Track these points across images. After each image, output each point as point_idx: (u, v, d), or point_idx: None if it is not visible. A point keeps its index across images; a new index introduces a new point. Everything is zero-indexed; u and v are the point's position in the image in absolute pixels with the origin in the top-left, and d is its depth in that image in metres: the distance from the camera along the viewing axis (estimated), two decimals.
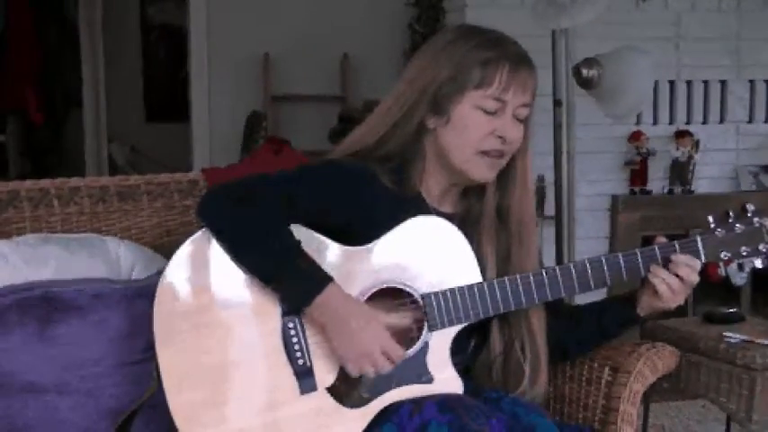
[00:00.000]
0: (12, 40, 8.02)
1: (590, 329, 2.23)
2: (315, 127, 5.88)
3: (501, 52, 2.07)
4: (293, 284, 1.98)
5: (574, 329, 2.24)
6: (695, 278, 2.07)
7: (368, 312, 2.00)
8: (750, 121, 5.33)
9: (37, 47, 8.12)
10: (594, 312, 2.24)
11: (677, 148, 5.04)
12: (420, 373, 2.03)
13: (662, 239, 2.10)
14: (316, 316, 1.97)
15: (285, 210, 2.02)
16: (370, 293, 2.03)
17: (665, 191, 5.09)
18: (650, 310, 2.14)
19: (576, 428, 2.20)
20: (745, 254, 2.10)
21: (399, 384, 2.01)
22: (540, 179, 4.55)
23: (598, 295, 2.27)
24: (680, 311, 2.30)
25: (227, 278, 2.01)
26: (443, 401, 1.94)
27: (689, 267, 2.06)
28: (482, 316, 2.06)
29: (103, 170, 7.64)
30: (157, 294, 2.01)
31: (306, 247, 2.00)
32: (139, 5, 8.24)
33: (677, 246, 2.08)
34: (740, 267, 2.13)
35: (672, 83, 5.20)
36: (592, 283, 2.08)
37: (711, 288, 4.24)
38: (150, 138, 8.03)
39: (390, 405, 2.00)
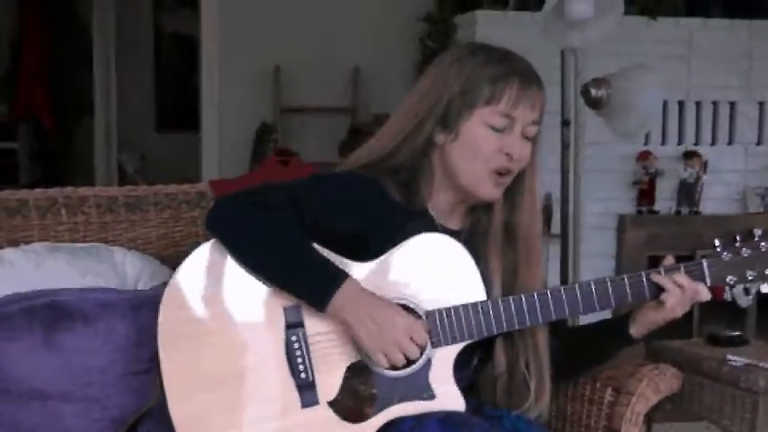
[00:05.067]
0: (26, 47, 8.05)
1: (589, 351, 2.23)
2: (324, 139, 5.89)
3: (510, 68, 2.07)
4: (310, 285, 1.98)
5: (574, 351, 2.23)
6: (687, 295, 2.06)
7: (386, 302, 2.00)
8: (759, 143, 5.34)
9: (51, 55, 8.15)
10: (592, 334, 2.25)
11: (685, 169, 5.04)
12: (422, 389, 2.02)
13: (670, 259, 2.10)
14: (337, 314, 1.98)
15: (295, 218, 2.03)
16: None
17: (673, 211, 5.09)
18: (647, 329, 2.13)
19: None
20: (751, 278, 2.08)
21: (401, 400, 2.01)
22: (548, 197, 4.55)
23: (602, 317, 2.27)
24: (684, 333, 2.29)
25: (232, 290, 2.02)
26: (445, 418, 1.95)
27: (679, 283, 2.05)
28: (486, 334, 2.05)
29: (113, 178, 7.67)
30: (162, 304, 2.02)
31: None
32: (152, 15, 8.26)
33: (683, 269, 2.08)
34: (746, 291, 2.13)
35: (681, 103, 5.20)
36: (597, 305, 2.07)
37: (717, 309, 4.23)
38: (160, 147, 8.05)
39: (392, 421, 2.00)
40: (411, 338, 1.98)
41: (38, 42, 8.05)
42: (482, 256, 2.12)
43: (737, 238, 2.09)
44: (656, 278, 2.06)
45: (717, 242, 2.09)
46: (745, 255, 2.08)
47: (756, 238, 2.09)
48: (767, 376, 2.76)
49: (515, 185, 2.15)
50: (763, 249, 2.09)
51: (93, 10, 7.74)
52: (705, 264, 2.08)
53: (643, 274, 2.08)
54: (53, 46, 8.19)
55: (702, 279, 2.07)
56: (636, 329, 2.13)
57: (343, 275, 1.98)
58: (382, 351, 1.98)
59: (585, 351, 2.24)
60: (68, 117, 8.34)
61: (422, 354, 2.03)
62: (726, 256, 2.08)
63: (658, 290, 2.06)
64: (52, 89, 8.20)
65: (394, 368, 2.02)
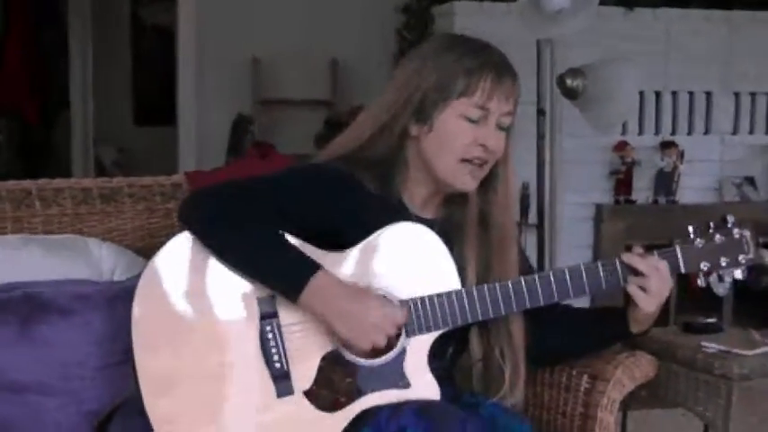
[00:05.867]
0: (10, 41, 8.02)
1: (588, 337, 2.24)
2: (303, 131, 5.89)
3: (485, 61, 2.07)
4: (282, 278, 1.99)
5: (571, 335, 2.24)
6: (665, 273, 2.07)
7: (358, 289, 2.01)
8: (734, 133, 5.36)
9: (35, 52, 8.13)
10: (593, 321, 2.26)
11: (662, 159, 5.06)
12: (397, 378, 2.03)
13: (639, 249, 2.10)
14: (310, 305, 1.98)
15: (268, 211, 2.03)
16: None
17: (650, 201, 5.10)
18: (639, 325, 2.14)
19: None
20: (724, 264, 2.10)
21: (377, 389, 2.02)
22: (525, 187, 4.56)
23: (578, 304, 2.27)
24: (661, 321, 2.30)
25: (206, 281, 2.02)
26: (421, 407, 1.95)
27: (654, 265, 2.06)
28: (460, 323, 2.06)
29: (90, 171, 7.64)
30: (136, 296, 2.01)
31: None
32: (130, 6, 8.23)
33: (656, 254, 2.09)
34: (720, 278, 2.13)
35: (658, 93, 5.22)
36: (571, 292, 2.08)
37: (693, 299, 4.25)
38: (138, 140, 8.03)
39: (367, 410, 2.00)
40: (387, 319, 1.99)
41: (21, 38, 8.02)
42: (456, 246, 2.13)
43: (711, 225, 2.10)
44: (630, 260, 2.07)
45: (690, 229, 2.10)
46: (719, 242, 2.09)
47: (730, 225, 2.10)
48: (741, 363, 2.78)
49: (489, 176, 2.16)
50: (737, 236, 2.10)
51: (70, 2, 7.70)
52: (679, 250, 2.08)
53: (617, 259, 2.08)
54: (37, 42, 8.16)
55: (676, 266, 2.08)
56: (632, 325, 2.15)
57: (314, 267, 1.98)
58: (361, 339, 1.98)
59: (586, 338, 2.24)
60: (51, 111, 8.30)
61: (397, 342, 2.03)
62: (699, 242, 2.09)
63: (633, 275, 2.07)
64: (36, 84, 8.16)
65: (369, 357, 2.02)
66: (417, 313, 2.03)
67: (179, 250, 2.04)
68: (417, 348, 2.05)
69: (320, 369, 2.02)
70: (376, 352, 2.02)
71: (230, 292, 2.02)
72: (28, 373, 2.23)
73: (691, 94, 5.27)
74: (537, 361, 2.25)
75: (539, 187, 3.83)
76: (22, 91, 8.03)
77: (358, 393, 2.01)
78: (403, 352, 2.04)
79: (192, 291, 2.02)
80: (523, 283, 2.07)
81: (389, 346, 2.03)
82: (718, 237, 2.09)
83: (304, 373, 2.01)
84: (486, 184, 2.17)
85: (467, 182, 2.12)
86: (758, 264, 2.13)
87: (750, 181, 5.30)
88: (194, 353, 2.01)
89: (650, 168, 5.11)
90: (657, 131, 5.24)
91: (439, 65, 2.08)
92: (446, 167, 2.10)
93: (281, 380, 2.00)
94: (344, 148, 2.15)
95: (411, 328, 2.03)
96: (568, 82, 3.64)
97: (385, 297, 2.03)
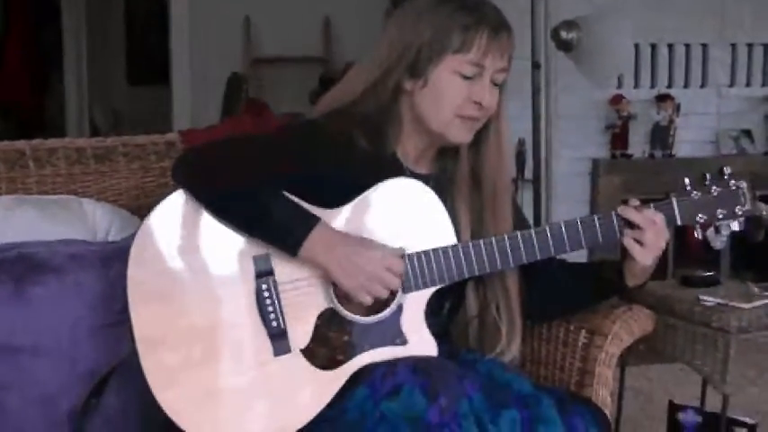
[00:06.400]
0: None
1: (585, 291, 2.24)
2: (296, 89, 5.87)
3: (481, 18, 2.06)
4: (280, 231, 1.98)
5: (568, 289, 2.24)
6: (661, 225, 2.05)
7: (359, 239, 2.01)
8: (731, 86, 5.33)
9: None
10: (589, 275, 2.25)
11: (658, 112, 5.04)
12: (394, 335, 2.03)
13: (635, 202, 2.09)
14: (311, 257, 1.97)
15: (262, 168, 2.02)
16: None
17: (646, 155, 5.09)
18: (635, 278, 2.13)
19: (551, 390, 2.20)
20: (721, 216, 2.08)
21: (373, 346, 2.01)
22: (521, 143, 4.54)
23: (575, 257, 2.27)
24: (659, 274, 2.30)
25: (201, 240, 2.02)
26: (417, 364, 1.94)
27: (650, 218, 2.05)
28: (457, 278, 2.06)
29: (85, 133, 7.62)
30: (131, 256, 2.01)
31: None
32: None
33: (652, 206, 2.08)
34: (717, 230, 2.12)
35: (653, 46, 5.19)
36: (567, 246, 2.07)
37: (691, 251, 4.26)
38: (133, 101, 8.00)
39: (364, 367, 2.00)
40: (388, 269, 1.98)
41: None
42: (450, 202, 2.13)
43: (707, 176, 2.09)
44: (626, 213, 2.06)
45: (686, 181, 2.09)
46: (715, 193, 2.08)
47: (726, 177, 2.09)
48: (739, 316, 2.78)
49: (482, 131, 2.15)
50: (733, 188, 2.09)
51: None
52: (675, 201, 2.07)
53: (613, 212, 2.07)
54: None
55: (672, 218, 2.07)
56: (627, 279, 2.14)
57: (313, 219, 1.97)
58: (362, 288, 1.98)
59: (582, 292, 2.24)
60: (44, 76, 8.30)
61: (393, 299, 2.03)
62: (695, 194, 2.08)
63: (629, 228, 2.06)
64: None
65: (365, 314, 2.02)
66: (413, 269, 2.03)
67: (173, 209, 2.03)
68: (414, 304, 2.04)
69: (317, 327, 2.01)
70: (373, 309, 2.02)
71: (225, 250, 2.02)
72: (20, 334, 2.22)
73: (687, 46, 5.23)
74: (534, 316, 2.25)
75: (534, 142, 3.82)
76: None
77: (355, 351, 2.01)
78: (399, 309, 2.04)
79: (186, 250, 2.02)
80: (519, 237, 2.07)
81: (386, 302, 2.03)
82: (714, 188, 2.08)
83: (301, 332, 2.01)
84: (480, 139, 2.16)
85: (461, 135, 2.11)
86: (755, 216, 2.12)
87: (747, 134, 5.28)
88: (190, 312, 2.00)
89: (646, 122, 5.08)
90: (653, 85, 5.21)
91: (434, 20, 2.06)
92: (440, 122, 2.09)
93: (278, 338, 2.00)
94: (337, 102, 2.14)
95: (408, 284, 2.03)
96: (563, 34, 3.62)
97: (385, 246, 2.02)
